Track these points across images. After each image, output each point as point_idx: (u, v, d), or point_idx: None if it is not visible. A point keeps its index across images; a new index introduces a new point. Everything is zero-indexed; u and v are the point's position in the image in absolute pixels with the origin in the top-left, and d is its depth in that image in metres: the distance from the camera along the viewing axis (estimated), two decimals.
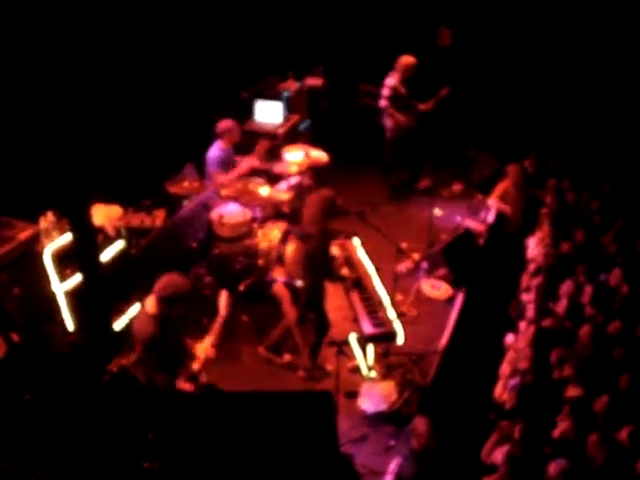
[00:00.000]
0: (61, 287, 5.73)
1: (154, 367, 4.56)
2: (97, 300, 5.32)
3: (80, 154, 5.15)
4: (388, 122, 8.51)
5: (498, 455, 4.72)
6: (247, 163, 7.07)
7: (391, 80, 8.31)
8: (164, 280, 4.57)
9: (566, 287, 5.86)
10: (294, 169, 7.32)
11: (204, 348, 4.77)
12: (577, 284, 5.89)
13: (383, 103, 8.41)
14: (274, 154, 7.96)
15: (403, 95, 8.33)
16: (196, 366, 4.70)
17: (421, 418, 4.79)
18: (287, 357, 6.21)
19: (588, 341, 5.30)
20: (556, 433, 4.60)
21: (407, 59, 8.27)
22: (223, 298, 4.93)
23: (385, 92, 8.36)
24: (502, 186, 7.54)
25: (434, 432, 4.66)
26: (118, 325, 5.93)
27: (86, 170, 5.15)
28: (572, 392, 4.97)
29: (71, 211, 5.18)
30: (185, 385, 4.61)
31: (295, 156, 7.40)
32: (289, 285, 5.77)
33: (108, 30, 6.95)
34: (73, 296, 5.76)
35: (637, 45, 8.93)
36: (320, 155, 7.50)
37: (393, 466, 5.11)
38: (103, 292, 5.34)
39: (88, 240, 5.24)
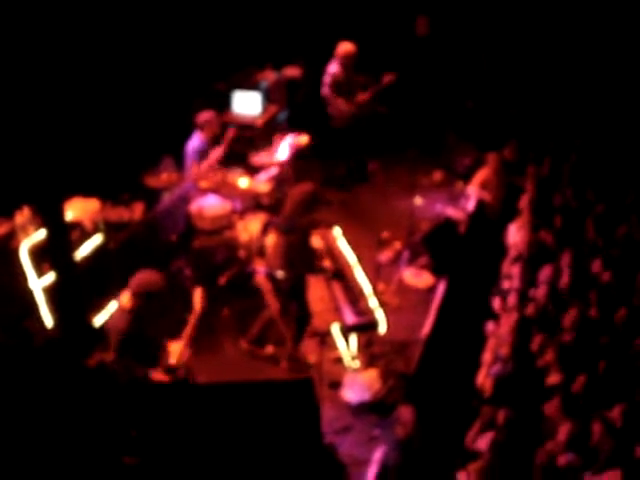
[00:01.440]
0: (38, 283, 5.65)
1: (130, 361, 4.56)
2: (72, 297, 5.25)
3: (52, 149, 5.07)
4: (331, 111, 8.41)
5: (482, 441, 4.75)
6: (214, 154, 7.01)
7: (332, 67, 8.20)
8: (139, 276, 4.65)
9: (545, 274, 5.89)
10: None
11: (177, 350, 4.82)
12: (556, 270, 5.92)
13: (325, 91, 8.31)
14: (254, 144, 7.92)
15: (344, 83, 8.19)
16: (172, 361, 4.72)
17: (405, 407, 4.80)
18: (270, 348, 6.18)
19: (571, 328, 5.33)
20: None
21: (346, 46, 8.12)
22: (197, 295, 4.98)
23: (326, 79, 8.25)
24: (482, 174, 7.56)
25: (418, 420, 4.66)
26: (97, 320, 5.87)
27: (58, 166, 5.06)
28: (553, 379, 5.00)
29: (44, 207, 5.10)
30: (161, 377, 4.61)
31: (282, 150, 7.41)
32: (270, 276, 5.74)
33: (82, 22, 6.86)
34: (51, 292, 5.68)
35: (613, 28, 8.97)
36: (301, 138, 7.51)
37: (378, 455, 5.12)
38: (78, 289, 5.28)
39: (61, 237, 5.16)
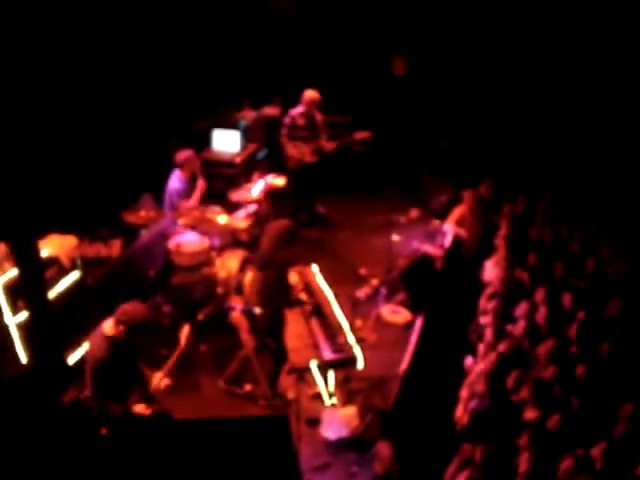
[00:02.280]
0: (13, 319, 5.59)
1: (106, 395, 4.52)
2: (45, 334, 5.22)
3: (27, 186, 5.08)
4: (285, 151, 8.58)
5: (461, 478, 4.72)
6: (200, 187, 7.07)
7: (294, 110, 8.41)
8: (128, 306, 4.62)
9: (522, 309, 5.95)
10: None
11: (156, 381, 4.80)
12: (532, 306, 5.99)
13: (282, 131, 8.51)
14: (233, 182, 7.99)
15: (302, 126, 8.37)
16: (151, 391, 4.71)
17: (383, 442, 4.78)
18: (248, 387, 6.14)
19: (546, 360, 5.36)
20: (522, 465, 4.55)
21: (311, 94, 8.33)
22: (185, 331, 4.98)
23: (285, 120, 8.47)
24: (458, 211, 7.67)
25: (397, 456, 4.64)
26: (73, 357, 5.81)
27: (32, 203, 5.08)
28: (530, 414, 5.01)
29: (17, 244, 5.10)
30: (140, 408, 4.58)
31: (257, 186, 7.46)
32: (247, 313, 5.74)
33: (60, 58, 6.93)
34: (25, 328, 5.62)
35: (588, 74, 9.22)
36: (278, 180, 7.58)
37: None
38: (51, 326, 5.25)
39: (35, 274, 5.16)
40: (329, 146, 8.41)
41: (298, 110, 8.34)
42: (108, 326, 4.63)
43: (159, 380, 4.78)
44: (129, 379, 4.68)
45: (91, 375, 4.56)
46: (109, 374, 4.51)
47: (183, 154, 7.01)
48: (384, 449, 4.68)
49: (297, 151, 8.37)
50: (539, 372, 5.35)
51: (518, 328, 5.88)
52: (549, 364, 5.34)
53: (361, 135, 8.41)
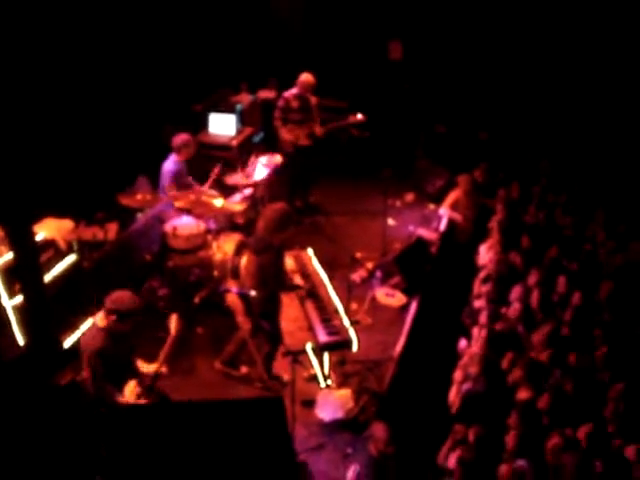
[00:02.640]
0: (10, 302, 5.62)
1: (101, 380, 4.58)
2: (41, 316, 5.25)
3: (22, 169, 5.09)
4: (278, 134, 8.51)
5: (452, 459, 4.79)
6: (198, 189, 7.10)
7: (288, 93, 8.34)
8: (114, 295, 4.68)
9: (516, 292, 6.00)
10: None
11: (151, 370, 4.88)
12: (526, 289, 6.04)
13: (275, 113, 8.43)
14: (228, 165, 7.99)
15: (294, 109, 8.30)
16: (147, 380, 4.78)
17: (379, 423, 4.83)
18: (244, 369, 6.19)
19: (541, 345, 5.42)
20: (509, 442, 4.63)
21: (306, 76, 8.25)
22: (174, 320, 5.03)
23: (279, 102, 8.38)
24: (453, 195, 7.71)
25: (391, 437, 4.69)
26: (70, 340, 5.85)
27: (27, 186, 5.09)
28: (522, 394, 5.07)
29: (12, 228, 5.11)
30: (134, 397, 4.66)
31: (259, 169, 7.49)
32: (242, 296, 5.77)
33: (60, 39, 6.90)
34: (22, 311, 5.65)
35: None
36: (274, 158, 7.60)
37: (351, 474, 5.13)
38: (47, 309, 5.28)
39: (30, 257, 5.18)
40: (321, 130, 8.36)
41: (292, 92, 8.28)
42: (99, 318, 4.71)
43: (154, 371, 4.84)
44: (124, 368, 4.76)
45: (87, 365, 4.62)
46: (105, 364, 4.59)
47: (180, 137, 7.00)
48: (379, 430, 4.72)
49: (291, 134, 8.32)
50: (534, 354, 5.41)
51: (512, 311, 5.94)
52: (544, 347, 5.40)
53: (355, 118, 8.38)
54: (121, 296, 4.68)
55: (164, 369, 4.93)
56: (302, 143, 8.36)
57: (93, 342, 4.63)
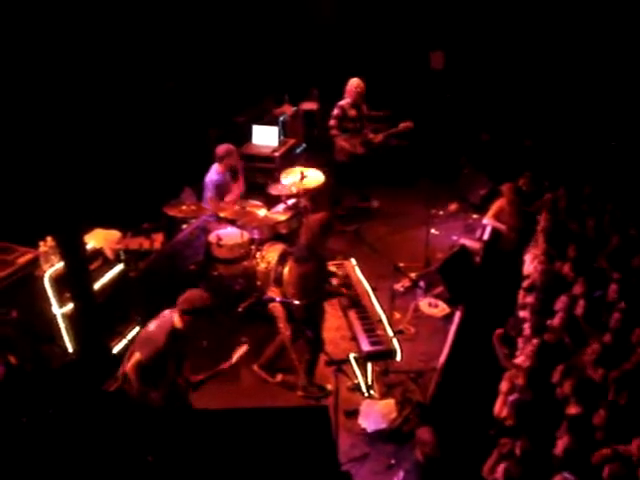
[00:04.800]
0: (60, 310, 5.76)
1: (146, 381, 4.64)
2: (91, 324, 5.38)
3: (73, 181, 5.23)
4: (334, 143, 8.49)
5: (499, 473, 4.71)
6: (236, 189, 7.14)
7: (341, 102, 8.33)
8: (188, 295, 4.75)
9: (561, 302, 5.89)
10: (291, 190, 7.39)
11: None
12: (572, 299, 5.92)
13: (330, 123, 8.42)
14: (271, 176, 8.06)
15: (352, 118, 8.31)
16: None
17: (425, 427, 4.79)
18: (279, 377, 6.22)
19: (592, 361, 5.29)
20: (558, 450, 4.55)
21: (358, 83, 8.26)
22: (242, 350, 5.08)
23: (334, 112, 8.37)
24: (497, 205, 7.62)
25: (439, 443, 4.64)
26: (117, 347, 5.96)
27: (77, 198, 5.23)
28: (572, 410, 4.96)
29: (63, 238, 5.25)
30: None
31: (291, 179, 7.48)
32: (285, 304, 5.80)
33: (106, 53, 7.07)
34: (72, 319, 5.79)
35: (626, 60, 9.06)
36: (315, 175, 7.58)
37: None
38: (96, 317, 5.40)
39: (80, 267, 5.31)
40: (377, 138, 8.36)
41: (347, 101, 8.27)
42: (176, 319, 4.72)
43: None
44: (173, 371, 4.81)
45: (143, 359, 4.62)
46: (158, 363, 4.63)
47: (223, 147, 7.10)
48: (425, 433, 4.66)
49: (348, 143, 8.32)
50: (585, 371, 5.28)
51: (557, 321, 5.83)
52: (597, 366, 5.27)
53: (406, 125, 8.36)
54: (195, 295, 4.75)
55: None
56: (358, 152, 8.35)
57: (157, 340, 4.63)
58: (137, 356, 4.64)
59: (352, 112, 8.28)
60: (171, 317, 4.74)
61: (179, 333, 4.70)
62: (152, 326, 4.77)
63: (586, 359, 5.36)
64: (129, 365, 4.65)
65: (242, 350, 5.06)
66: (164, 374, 4.71)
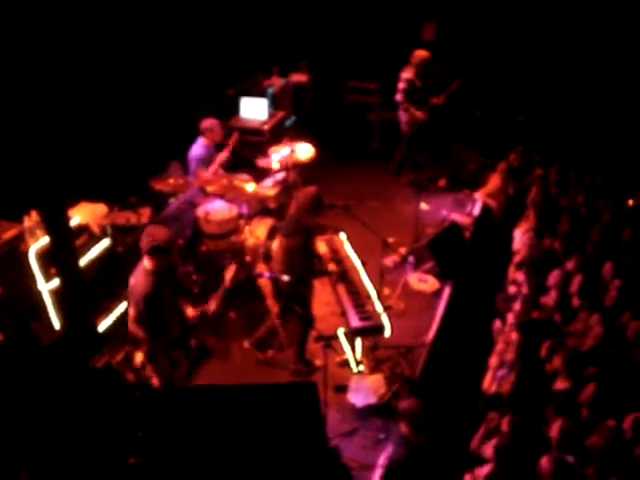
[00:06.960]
0: (46, 286, 5.70)
1: (150, 326, 4.79)
2: (77, 300, 5.32)
3: (57, 154, 5.13)
4: (403, 116, 8.56)
5: (487, 447, 4.72)
6: (219, 158, 7.05)
7: (407, 74, 8.37)
8: (149, 232, 4.83)
9: (554, 278, 5.87)
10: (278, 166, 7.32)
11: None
12: (565, 275, 5.90)
13: (399, 97, 8.46)
14: (260, 150, 7.97)
15: (419, 88, 8.37)
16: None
17: (410, 398, 4.76)
18: (270, 353, 6.22)
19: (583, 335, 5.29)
20: (554, 433, 4.53)
21: (422, 53, 8.33)
22: (231, 271, 5.30)
23: (401, 85, 8.41)
24: (492, 183, 7.60)
25: (424, 412, 4.60)
26: (104, 323, 5.91)
27: (62, 171, 5.13)
28: (560, 385, 4.97)
29: (48, 213, 5.17)
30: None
31: (281, 153, 7.40)
32: (274, 279, 5.76)
33: (92, 27, 6.92)
34: (57, 295, 5.73)
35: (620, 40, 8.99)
36: (306, 149, 7.50)
37: (383, 459, 5.11)
38: (82, 292, 5.35)
39: (65, 242, 5.23)
40: (437, 100, 8.47)
41: (412, 72, 8.32)
42: (145, 262, 4.83)
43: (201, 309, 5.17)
44: (170, 308, 4.95)
45: (135, 306, 4.81)
46: (155, 306, 4.75)
47: (207, 121, 7.00)
48: (410, 404, 4.62)
49: (422, 113, 8.45)
50: (575, 343, 5.28)
51: (550, 298, 5.81)
52: (586, 338, 5.27)
53: (456, 83, 8.49)
54: (152, 233, 4.80)
55: (214, 307, 5.26)
56: (425, 119, 8.49)
57: (144, 286, 4.76)
58: (131, 312, 4.83)
59: (418, 83, 8.37)
60: (142, 263, 4.86)
61: (153, 273, 4.78)
62: (132, 280, 4.94)
63: (575, 329, 5.36)
64: (130, 324, 4.83)
65: (231, 271, 5.27)
66: (163, 317, 4.83)
